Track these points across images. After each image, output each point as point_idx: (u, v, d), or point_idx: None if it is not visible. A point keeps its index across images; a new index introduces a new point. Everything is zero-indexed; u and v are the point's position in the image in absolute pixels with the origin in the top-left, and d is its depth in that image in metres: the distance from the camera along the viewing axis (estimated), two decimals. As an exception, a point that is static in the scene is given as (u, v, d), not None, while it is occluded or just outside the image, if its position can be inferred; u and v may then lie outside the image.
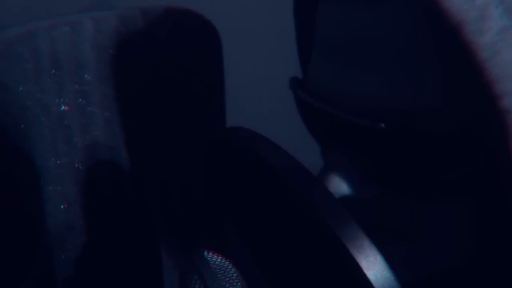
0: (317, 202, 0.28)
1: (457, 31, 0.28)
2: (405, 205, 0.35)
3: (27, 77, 0.37)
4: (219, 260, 0.34)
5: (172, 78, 0.45)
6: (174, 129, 0.47)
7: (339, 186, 0.35)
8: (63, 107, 0.39)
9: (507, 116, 0.28)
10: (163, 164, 0.47)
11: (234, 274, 0.34)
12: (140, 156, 0.46)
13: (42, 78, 0.38)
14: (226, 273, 0.34)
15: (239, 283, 0.34)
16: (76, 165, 0.42)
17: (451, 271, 0.35)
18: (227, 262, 0.34)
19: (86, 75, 0.41)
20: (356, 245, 0.27)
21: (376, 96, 0.33)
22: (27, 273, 0.39)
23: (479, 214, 0.34)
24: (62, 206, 0.41)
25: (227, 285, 0.33)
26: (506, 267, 0.33)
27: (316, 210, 0.28)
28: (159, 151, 0.46)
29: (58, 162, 0.40)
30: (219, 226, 0.45)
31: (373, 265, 0.27)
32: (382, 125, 0.32)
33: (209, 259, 0.34)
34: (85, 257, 0.44)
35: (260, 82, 1.40)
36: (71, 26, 0.39)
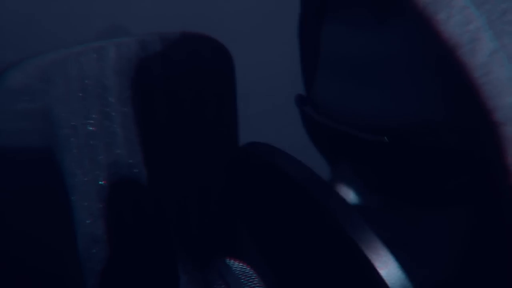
0: (334, 209, 0.31)
1: (452, 53, 0.30)
2: (404, 213, 0.37)
3: (60, 99, 0.39)
4: (240, 266, 0.37)
5: (188, 99, 0.48)
6: (190, 148, 0.49)
7: (345, 197, 0.36)
8: (90, 128, 0.42)
9: (500, 128, 0.30)
10: (181, 180, 0.49)
11: (256, 280, 0.36)
12: (159, 172, 0.48)
13: (71, 101, 0.41)
14: (249, 278, 0.36)
15: (260, 288, 0.36)
16: (101, 182, 0.44)
17: (443, 283, 0.37)
18: (248, 268, 0.37)
19: (109, 98, 0.44)
20: (371, 247, 0.30)
21: (379, 111, 0.35)
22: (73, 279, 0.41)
23: (475, 223, 0.35)
24: (88, 221, 0.43)
25: None
26: (498, 280, 0.35)
27: (334, 216, 0.31)
28: (176, 168, 0.49)
29: (85, 179, 0.43)
30: (236, 235, 0.48)
31: (385, 264, 0.29)
32: (385, 138, 0.34)
33: (231, 265, 0.36)
34: (108, 270, 0.46)
35: (267, 98, 1.43)
36: (97, 53, 0.42)
